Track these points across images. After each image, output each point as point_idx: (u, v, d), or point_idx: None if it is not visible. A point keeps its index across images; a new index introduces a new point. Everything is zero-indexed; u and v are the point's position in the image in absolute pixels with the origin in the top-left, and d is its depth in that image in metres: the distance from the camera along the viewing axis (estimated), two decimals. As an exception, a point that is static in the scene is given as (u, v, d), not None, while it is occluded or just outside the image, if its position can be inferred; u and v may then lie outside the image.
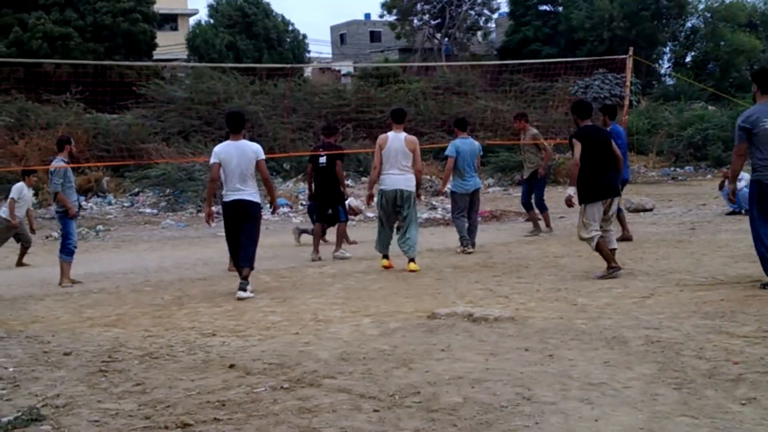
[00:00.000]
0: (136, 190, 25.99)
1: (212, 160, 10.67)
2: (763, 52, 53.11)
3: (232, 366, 6.66)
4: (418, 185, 12.49)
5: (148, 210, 24.59)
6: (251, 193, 10.56)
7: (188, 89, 30.92)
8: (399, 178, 12.14)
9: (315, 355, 6.95)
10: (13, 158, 25.28)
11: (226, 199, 10.61)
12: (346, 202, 15.14)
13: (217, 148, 10.83)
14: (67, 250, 12.13)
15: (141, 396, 5.93)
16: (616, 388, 5.66)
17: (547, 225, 16.14)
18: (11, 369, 6.80)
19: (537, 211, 16.25)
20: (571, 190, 10.94)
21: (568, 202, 11.13)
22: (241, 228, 10.50)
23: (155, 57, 41.83)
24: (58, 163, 12.24)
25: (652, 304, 8.58)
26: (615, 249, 10.60)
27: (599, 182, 10.42)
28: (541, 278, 10.65)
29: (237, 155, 10.44)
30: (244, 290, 10.15)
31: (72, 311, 9.78)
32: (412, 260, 12.01)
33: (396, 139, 12.14)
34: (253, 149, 10.67)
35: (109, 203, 25.11)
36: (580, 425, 4.92)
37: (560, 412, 5.19)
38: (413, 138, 12.44)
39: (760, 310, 8.01)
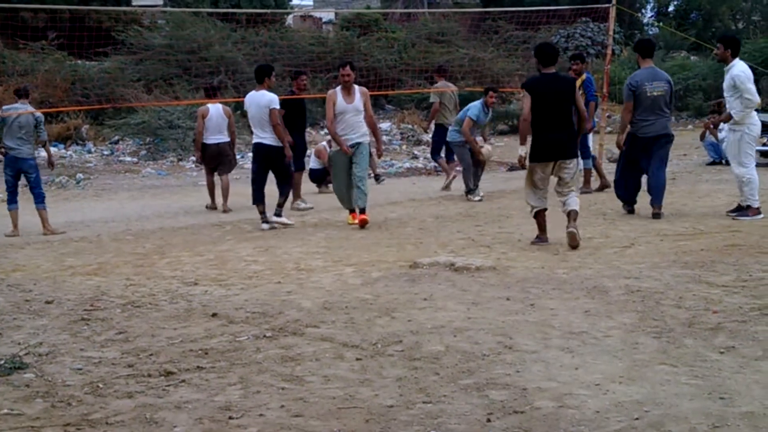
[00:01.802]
0: (116, 138, 25.79)
1: None
2: (745, 1, 52.98)
3: (214, 315, 6.68)
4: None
5: (128, 158, 24.41)
6: (269, 137, 11.52)
7: (168, 36, 30.64)
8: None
9: (298, 304, 6.97)
10: (-10, 106, 25.05)
11: (252, 141, 12.12)
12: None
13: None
14: (42, 198, 12.35)
15: (123, 344, 5.95)
16: (596, 337, 5.71)
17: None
18: (-7, 317, 6.81)
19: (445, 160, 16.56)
20: (522, 150, 9.62)
21: (520, 163, 9.97)
22: (267, 170, 11.80)
23: (134, 3, 41.38)
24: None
25: (633, 253, 8.63)
26: (573, 210, 9.23)
27: (544, 141, 9.35)
28: (523, 228, 10.66)
29: (254, 104, 11.55)
30: (279, 216, 11.67)
31: (53, 260, 9.75)
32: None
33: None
34: (267, 99, 11.47)
35: (89, 151, 24.90)
36: (561, 373, 4.97)
37: (541, 360, 5.24)
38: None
39: (739, 259, 8.08)
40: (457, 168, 15.13)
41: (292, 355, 5.54)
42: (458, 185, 14.62)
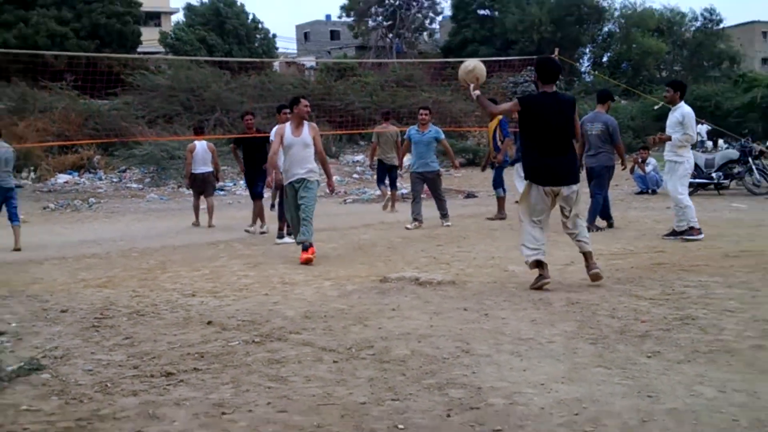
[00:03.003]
0: (124, 167, 25.82)
1: None
2: (668, 54, 53.68)
3: (209, 323, 6.64)
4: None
5: (134, 185, 24.38)
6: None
7: (170, 78, 30.68)
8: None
9: (282, 313, 6.95)
10: (14, 138, 24.99)
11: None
12: None
13: None
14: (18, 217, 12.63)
15: (129, 348, 5.90)
16: (541, 343, 5.73)
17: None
18: (14, 324, 6.74)
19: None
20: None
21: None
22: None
23: (140, 50, 41.41)
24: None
25: (573, 270, 8.67)
26: (588, 252, 7.79)
27: (542, 165, 7.63)
28: (478, 248, 10.72)
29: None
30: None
31: (67, 274, 9.68)
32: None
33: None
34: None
35: (100, 179, 24.89)
36: (511, 375, 4.98)
37: (494, 363, 5.25)
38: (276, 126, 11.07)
39: (663, 276, 8.15)
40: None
41: (277, 358, 5.51)
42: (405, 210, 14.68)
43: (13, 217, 12.58)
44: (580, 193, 7.86)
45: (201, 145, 15.49)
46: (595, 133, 12.08)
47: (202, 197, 15.60)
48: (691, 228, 10.63)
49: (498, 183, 14.47)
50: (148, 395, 4.80)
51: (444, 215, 13.76)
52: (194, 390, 4.87)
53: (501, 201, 14.49)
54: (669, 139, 10.63)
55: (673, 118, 10.82)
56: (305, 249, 9.98)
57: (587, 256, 7.73)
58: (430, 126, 13.82)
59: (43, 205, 20.68)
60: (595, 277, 7.64)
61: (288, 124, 10.20)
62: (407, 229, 13.18)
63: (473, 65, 8.27)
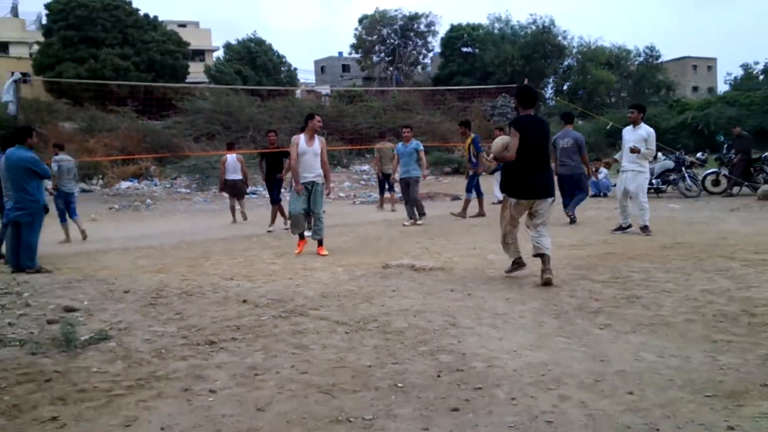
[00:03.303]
0: (174, 175, 25.86)
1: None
2: (617, 83, 53.66)
3: (244, 301, 6.65)
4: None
5: (183, 190, 24.39)
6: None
7: (211, 103, 30.74)
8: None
9: (303, 293, 6.96)
10: (85, 152, 25.14)
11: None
12: None
13: None
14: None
15: (179, 322, 5.91)
16: (514, 318, 5.73)
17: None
18: (86, 303, 6.75)
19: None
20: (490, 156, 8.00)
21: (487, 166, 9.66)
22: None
23: (188, 80, 41.45)
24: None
25: (539, 260, 8.67)
26: (546, 255, 7.09)
27: (528, 180, 7.10)
28: (462, 241, 10.72)
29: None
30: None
31: (129, 261, 9.70)
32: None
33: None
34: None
35: (155, 185, 24.91)
36: (490, 343, 4.99)
37: (476, 334, 5.26)
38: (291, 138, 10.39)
39: (613, 263, 8.15)
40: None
41: (299, 329, 5.52)
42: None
43: (72, 214, 12.89)
44: (551, 207, 7.35)
45: (231, 158, 15.86)
46: (567, 147, 12.35)
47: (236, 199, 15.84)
48: (646, 227, 10.55)
49: (469, 188, 14.43)
50: (195, 360, 4.81)
51: (410, 215, 13.53)
52: (232, 355, 4.88)
53: (467, 203, 14.45)
54: (639, 151, 10.55)
55: (638, 135, 10.66)
56: (321, 244, 9.94)
57: (544, 260, 7.02)
58: (412, 140, 13.86)
59: (109, 206, 20.67)
60: (547, 282, 6.86)
61: (303, 135, 10.00)
62: (404, 225, 13.17)
63: (500, 143, 7.41)
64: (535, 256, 7.17)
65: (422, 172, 14.15)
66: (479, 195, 14.46)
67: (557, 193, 10.82)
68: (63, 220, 12.81)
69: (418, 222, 13.39)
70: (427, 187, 23.69)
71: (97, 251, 11.04)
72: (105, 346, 5.18)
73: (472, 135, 14.25)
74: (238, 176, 15.77)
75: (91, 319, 6.07)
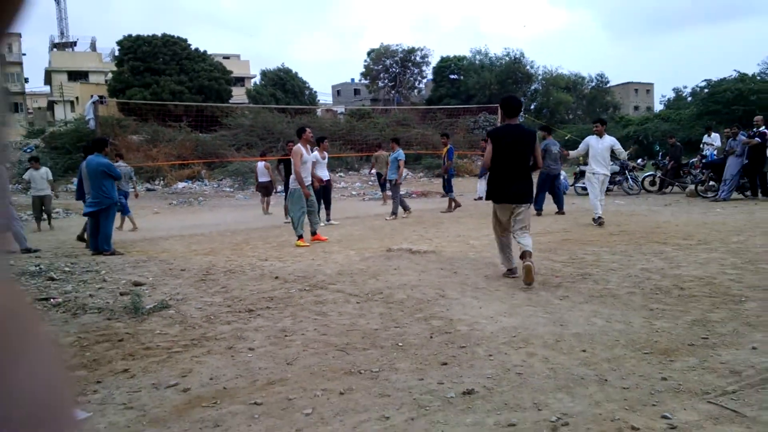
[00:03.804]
0: (221, 177, 25.83)
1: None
2: (573, 103, 53.41)
3: (276, 277, 6.67)
4: (299, 182, 9.33)
5: (227, 189, 24.37)
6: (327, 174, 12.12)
7: (250, 120, 30.68)
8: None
9: (323, 271, 6.97)
10: (149, 159, 25.15)
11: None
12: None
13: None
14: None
15: (225, 294, 5.92)
16: (491, 290, 5.73)
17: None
18: (150, 279, 6.77)
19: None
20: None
21: None
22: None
23: (231, 101, 41.41)
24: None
25: (512, 244, 8.66)
26: (528, 251, 6.01)
27: (502, 188, 6.23)
28: (450, 229, 10.69)
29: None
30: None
31: (184, 246, 9.71)
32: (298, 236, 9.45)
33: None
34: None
35: (205, 185, 24.89)
36: (472, 311, 4.98)
37: (461, 303, 5.25)
38: (294, 148, 9.54)
39: (570, 247, 8.13)
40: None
41: (320, 300, 5.53)
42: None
43: (125, 210, 12.76)
44: (529, 211, 6.30)
45: (261, 164, 15.86)
46: (555, 151, 12.60)
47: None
48: (600, 217, 10.24)
49: (449, 189, 14.36)
50: (237, 324, 4.81)
51: (392, 213, 13.18)
52: (267, 321, 4.89)
53: (451, 201, 14.34)
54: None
55: (605, 144, 10.34)
56: (315, 233, 9.70)
57: (526, 253, 5.98)
58: (396, 150, 13.42)
59: (168, 202, 20.68)
60: (528, 270, 5.77)
61: (301, 146, 9.36)
62: (403, 217, 13.14)
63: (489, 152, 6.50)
64: (522, 255, 6.04)
65: (398, 174, 13.57)
66: (452, 194, 14.33)
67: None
68: (126, 212, 12.82)
69: (387, 218, 12.96)
70: (422, 187, 23.68)
71: (159, 238, 11.06)
72: (165, 313, 5.20)
73: (449, 146, 14.14)
74: (267, 178, 15.79)
75: (155, 292, 6.09)
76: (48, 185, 13.54)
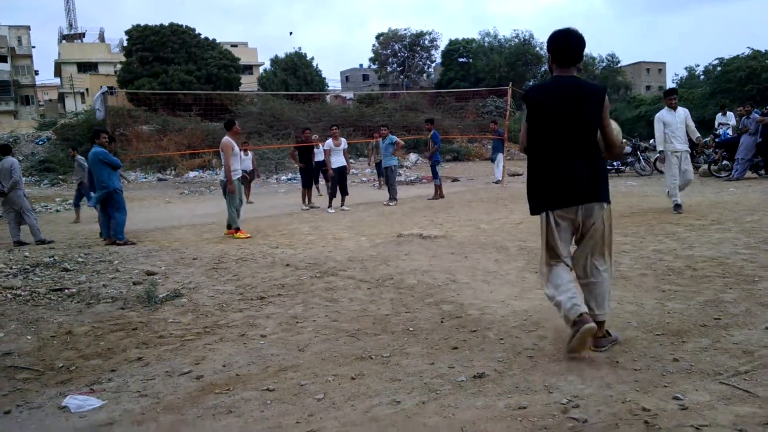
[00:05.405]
0: (231, 166, 25.96)
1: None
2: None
3: (287, 265, 6.69)
4: (227, 177, 9.19)
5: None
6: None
7: (259, 107, 30.68)
8: (221, 170, 9.34)
9: (334, 258, 6.98)
10: (159, 148, 25.28)
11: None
12: None
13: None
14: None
15: (236, 282, 5.96)
16: (502, 275, 5.72)
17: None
18: (163, 267, 6.82)
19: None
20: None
21: None
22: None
23: (240, 89, 41.39)
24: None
25: (522, 227, 8.61)
26: (599, 323, 3.50)
27: (552, 181, 3.48)
28: (460, 213, 10.67)
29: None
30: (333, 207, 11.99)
31: (196, 235, 9.76)
32: (234, 229, 9.30)
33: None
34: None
35: (216, 174, 24.93)
36: (483, 295, 4.98)
37: (471, 288, 5.25)
38: (224, 141, 9.32)
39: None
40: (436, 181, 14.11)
41: (331, 286, 5.55)
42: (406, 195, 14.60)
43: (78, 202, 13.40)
44: (609, 219, 3.63)
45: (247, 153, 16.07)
46: None
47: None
48: (678, 205, 9.16)
49: (435, 175, 14.15)
50: (249, 311, 4.85)
51: (390, 198, 13.13)
52: (278, 308, 4.92)
53: (437, 188, 13.99)
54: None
55: (680, 117, 9.18)
56: (230, 228, 9.41)
57: (598, 326, 3.52)
58: (389, 136, 13.32)
59: (180, 191, 20.77)
60: (583, 338, 3.36)
61: (231, 139, 9.30)
62: (385, 204, 12.89)
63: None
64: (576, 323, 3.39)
65: (397, 152, 13.49)
66: (437, 180, 14.10)
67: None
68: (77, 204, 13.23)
69: (389, 204, 12.88)
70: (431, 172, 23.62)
71: (171, 227, 11.12)
72: (178, 302, 5.24)
73: (433, 131, 13.89)
74: (250, 167, 15.94)
75: (167, 281, 6.14)
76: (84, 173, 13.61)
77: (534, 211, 3.67)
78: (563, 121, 3.45)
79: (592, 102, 3.46)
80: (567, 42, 3.51)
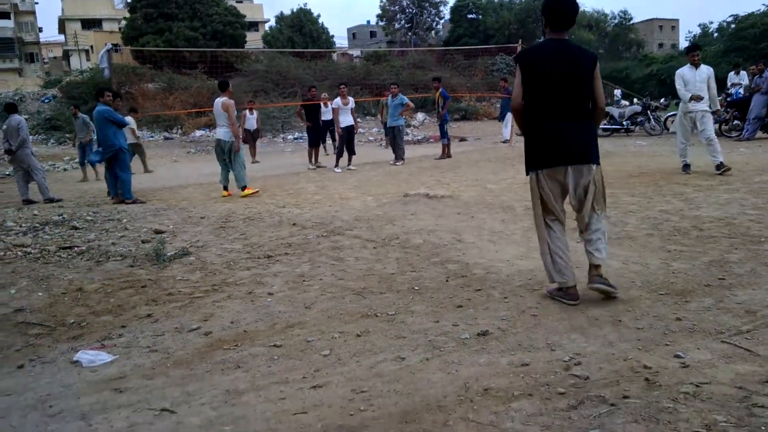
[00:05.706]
0: (237, 124, 25.79)
1: None
2: (596, 41, 51.89)
3: (294, 224, 6.72)
4: (235, 137, 9.39)
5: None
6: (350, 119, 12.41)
7: (265, 65, 30.34)
8: (218, 131, 9.56)
9: (340, 217, 7.00)
10: (165, 107, 25.13)
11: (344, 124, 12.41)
12: None
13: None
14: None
15: (244, 241, 6.00)
16: (507, 234, 5.73)
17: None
18: (171, 226, 6.87)
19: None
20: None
21: None
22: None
23: (246, 47, 40.85)
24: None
25: (528, 188, 8.58)
26: (597, 265, 3.80)
27: (545, 141, 3.69)
28: (467, 173, 10.63)
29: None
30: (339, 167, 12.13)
31: (203, 194, 9.79)
32: (243, 188, 9.32)
33: (217, 102, 9.44)
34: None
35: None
36: (488, 254, 5.00)
37: (477, 247, 5.27)
38: (226, 101, 9.33)
39: (589, 190, 8.04)
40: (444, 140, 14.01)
41: (337, 246, 5.58)
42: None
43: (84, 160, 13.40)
44: (600, 181, 3.81)
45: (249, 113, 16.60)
46: None
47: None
48: (687, 165, 9.02)
49: (443, 134, 14.07)
50: (257, 270, 4.89)
51: (397, 157, 13.13)
52: (285, 266, 4.96)
53: (444, 147, 13.93)
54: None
55: (702, 75, 8.67)
56: (227, 189, 9.57)
57: (595, 268, 3.83)
58: (399, 96, 13.24)
59: (187, 150, 20.75)
60: (604, 292, 3.76)
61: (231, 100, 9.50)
62: (391, 164, 12.90)
63: None
64: (591, 270, 3.85)
65: (405, 113, 13.35)
66: (445, 139, 14.01)
67: None
68: (83, 163, 13.41)
69: (397, 163, 12.88)
70: (438, 131, 23.42)
71: (179, 186, 11.15)
72: (186, 260, 5.30)
73: (441, 89, 13.71)
74: (255, 126, 16.60)
75: (176, 239, 6.19)
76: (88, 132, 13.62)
77: (527, 171, 3.94)
78: (560, 86, 3.65)
79: (587, 68, 3.70)
80: (562, 7, 3.70)
